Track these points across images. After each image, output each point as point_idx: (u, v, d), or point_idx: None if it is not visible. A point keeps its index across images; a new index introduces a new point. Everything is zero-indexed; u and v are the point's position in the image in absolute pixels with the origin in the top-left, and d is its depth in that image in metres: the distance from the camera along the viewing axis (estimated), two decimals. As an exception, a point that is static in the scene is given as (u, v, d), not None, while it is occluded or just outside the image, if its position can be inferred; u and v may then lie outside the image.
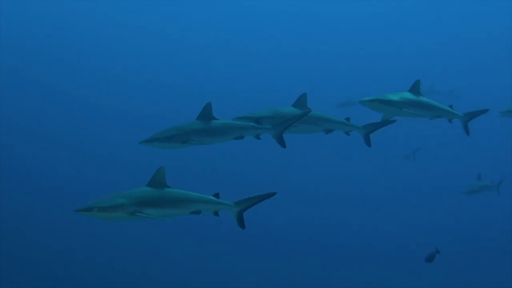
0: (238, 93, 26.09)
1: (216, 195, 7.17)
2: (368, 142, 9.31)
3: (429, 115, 9.15)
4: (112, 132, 22.73)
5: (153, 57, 28.23)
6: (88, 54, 26.73)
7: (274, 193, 7.16)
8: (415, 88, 9.06)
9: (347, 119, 9.27)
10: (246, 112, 8.86)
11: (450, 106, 9.57)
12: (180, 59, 28.95)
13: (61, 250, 15.45)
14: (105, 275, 14.84)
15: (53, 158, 20.13)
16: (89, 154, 20.82)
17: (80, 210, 6.00)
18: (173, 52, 29.30)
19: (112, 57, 27.32)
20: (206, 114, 8.05)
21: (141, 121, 22.10)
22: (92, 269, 14.99)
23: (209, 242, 17.15)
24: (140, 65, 27.52)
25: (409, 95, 8.89)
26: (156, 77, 27.02)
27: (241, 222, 7.27)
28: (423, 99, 9.07)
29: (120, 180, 15.95)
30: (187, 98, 24.28)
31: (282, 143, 8.39)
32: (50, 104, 23.76)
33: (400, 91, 8.95)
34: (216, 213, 7.17)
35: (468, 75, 29.08)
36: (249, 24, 30.90)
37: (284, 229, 18.77)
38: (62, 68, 25.74)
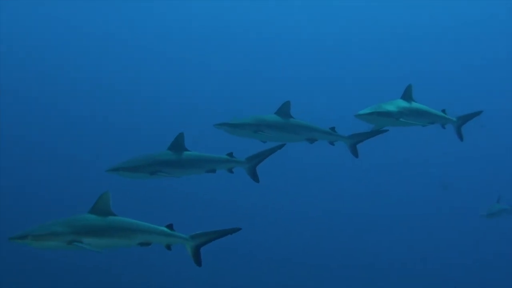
0: (238, 94, 25.88)
1: (170, 226, 6.41)
2: (355, 153, 8.91)
3: (424, 123, 8.88)
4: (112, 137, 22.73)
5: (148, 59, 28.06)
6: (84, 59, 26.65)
7: (238, 228, 6.39)
8: (407, 94, 8.79)
9: (332, 128, 8.89)
10: (228, 119, 8.64)
11: (443, 111, 9.25)
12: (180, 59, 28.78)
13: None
14: (103, 275, 14.84)
15: (51, 162, 20.16)
16: (86, 160, 20.73)
17: (14, 238, 5.48)
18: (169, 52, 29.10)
19: (109, 59, 27.22)
20: (177, 144, 7.72)
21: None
22: (90, 269, 14.88)
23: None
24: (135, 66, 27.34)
25: (403, 103, 8.60)
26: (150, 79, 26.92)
27: (197, 258, 6.45)
28: (417, 105, 8.81)
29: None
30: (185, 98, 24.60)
31: (255, 178, 8.16)
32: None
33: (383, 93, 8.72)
34: (168, 247, 6.40)
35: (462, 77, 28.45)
36: (250, 24, 30.60)
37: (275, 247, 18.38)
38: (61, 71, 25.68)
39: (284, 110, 8.73)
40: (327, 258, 17.80)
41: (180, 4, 29.51)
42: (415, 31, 29.66)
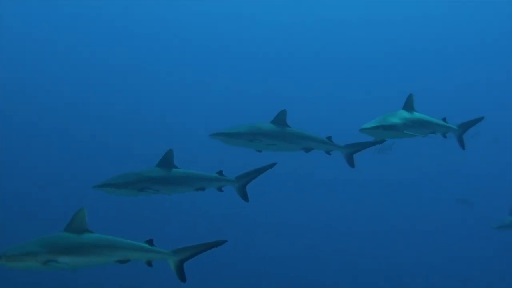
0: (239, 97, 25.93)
1: (150, 242, 6.21)
2: (351, 163, 8.79)
3: (426, 133, 8.67)
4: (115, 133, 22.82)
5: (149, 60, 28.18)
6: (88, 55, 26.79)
7: (224, 241, 6.18)
8: (409, 104, 8.58)
9: (329, 138, 8.79)
10: (224, 128, 8.60)
11: (444, 119, 9.03)
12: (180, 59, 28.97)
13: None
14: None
15: (52, 158, 20.31)
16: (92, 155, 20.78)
17: None
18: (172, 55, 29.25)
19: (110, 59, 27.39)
20: (166, 161, 7.62)
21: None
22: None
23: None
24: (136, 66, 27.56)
25: (406, 114, 8.37)
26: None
27: (180, 273, 6.25)
28: (419, 115, 8.60)
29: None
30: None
31: (245, 197, 8.09)
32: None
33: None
34: (149, 263, 6.19)
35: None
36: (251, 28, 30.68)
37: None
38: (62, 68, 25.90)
39: (280, 119, 8.66)
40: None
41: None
42: (414, 38, 29.87)
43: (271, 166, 7.96)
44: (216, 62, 28.89)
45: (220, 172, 8.01)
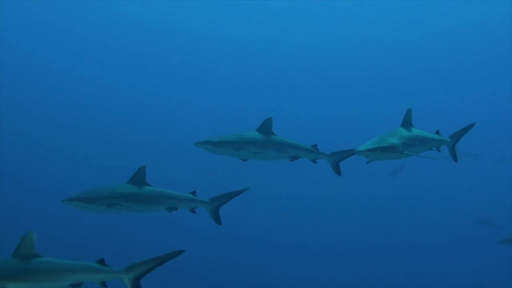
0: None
1: (102, 261, 5.86)
2: (337, 171, 8.69)
3: (425, 150, 8.04)
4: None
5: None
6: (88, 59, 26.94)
7: (181, 251, 5.86)
8: (407, 120, 7.90)
9: (315, 146, 8.70)
10: (209, 136, 8.56)
11: (437, 132, 8.49)
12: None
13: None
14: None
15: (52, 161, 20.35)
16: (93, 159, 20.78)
17: None
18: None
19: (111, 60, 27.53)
20: (138, 178, 7.39)
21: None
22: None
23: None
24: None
25: (405, 132, 7.64)
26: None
27: None
28: (417, 132, 7.94)
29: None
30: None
31: (217, 220, 7.80)
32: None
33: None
34: (103, 284, 5.86)
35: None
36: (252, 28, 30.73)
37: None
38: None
39: (265, 127, 8.58)
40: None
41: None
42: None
43: (245, 190, 7.68)
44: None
45: (193, 193, 7.75)
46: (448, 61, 29.99)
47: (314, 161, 8.69)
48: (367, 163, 7.63)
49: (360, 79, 29.21)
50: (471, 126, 8.54)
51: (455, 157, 8.70)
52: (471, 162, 19.32)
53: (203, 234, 17.05)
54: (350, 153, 8.56)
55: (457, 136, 8.59)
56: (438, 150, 8.38)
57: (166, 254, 5.86)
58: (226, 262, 17.02)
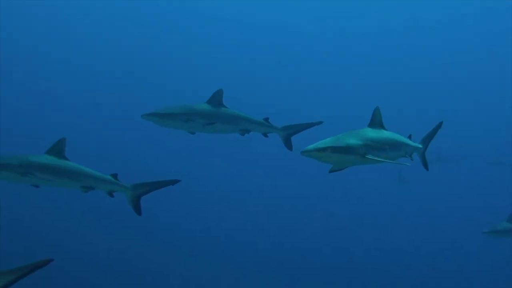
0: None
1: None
2: (288, 145, 8.49)
3: (396, 157, 6.80)
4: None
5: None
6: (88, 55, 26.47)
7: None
8: (375, 120, 6.72)
9: (266, 119, 8.48)
10: (158, 108, 8.22)
11: (409, 137, 7.33)
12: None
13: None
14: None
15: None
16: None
17: None
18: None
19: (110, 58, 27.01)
20: (57, 150, 6.88)
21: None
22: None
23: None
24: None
25: (371, 133, 6.47)
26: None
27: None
28: (387, 134, 6.72)
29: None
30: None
31: (137, 209, 7.05)
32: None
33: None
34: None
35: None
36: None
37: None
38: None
39: (216, 99, 8.30)
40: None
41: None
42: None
43: (174, 182, 7.01)
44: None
45: (114, 175, 7.07)
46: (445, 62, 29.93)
47: (265, 135, 8.45)
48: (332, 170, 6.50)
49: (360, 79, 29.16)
50: (439, 126, 7.56)
51: (426, 166, 7.64)
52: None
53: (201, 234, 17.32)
54: (302, 127, 8.39)
55: (427, 140, 7.55)
56: (411, 158, 7.21)
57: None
58: (224, 262, 16.77)
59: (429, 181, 19.26)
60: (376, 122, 6.72)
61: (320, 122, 8.21)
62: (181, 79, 26.83)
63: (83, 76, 25.85)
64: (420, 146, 7.39)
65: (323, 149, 5.82)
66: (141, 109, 8.33)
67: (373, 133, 6.44)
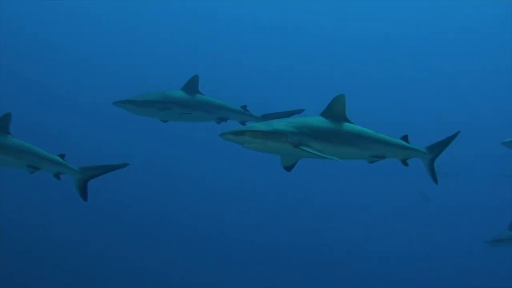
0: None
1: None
2: None
3: (357, 155, 5.81)
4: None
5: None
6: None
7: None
8: (334, 108, 5.78)
9: (244, 107, 8.11)
10: (133, 95, 7.89)
11: (405, 138, 6.26)
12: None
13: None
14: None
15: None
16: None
17: None
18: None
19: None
20: (1, 125, 6.35)
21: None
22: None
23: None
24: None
25: (318, 121, 5.59)
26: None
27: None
28: (344, 126, 5.73)
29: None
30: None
31: (83, 194, 6.48)
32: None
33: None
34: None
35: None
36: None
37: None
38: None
39: (191, 85, 7.97)
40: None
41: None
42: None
43: (124, 165, 6.49)
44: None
45: (62, 156, 6.52)
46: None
47: (243, 123, 8.07)
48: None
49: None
50: (455, 135, 6.40)
51: (434, 176, 6.42)
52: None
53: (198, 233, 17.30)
54: (281, 115, 7.97)
55: (437, 148, 6.37)
56: (405, 164, 6.21)
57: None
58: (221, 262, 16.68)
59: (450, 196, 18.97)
60: (334, 111, 5.75)
61: (301, 110, 7.79)
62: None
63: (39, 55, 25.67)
64: (424, 151, 6.29)
65: (241, 133, 5.16)
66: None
67: (319, 122, 5.56)
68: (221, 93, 8.70)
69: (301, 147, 5.23)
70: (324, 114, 5.74)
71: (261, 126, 5.27)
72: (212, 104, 7.93)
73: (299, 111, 7.81)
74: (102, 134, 21.39)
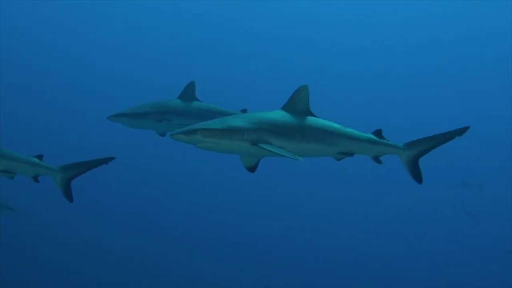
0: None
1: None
2: None
3: (323, 152, 5.37)
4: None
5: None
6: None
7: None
8: (296, 101, 5.32)
9: (244, 111, 7.73)
10: (128, 108, 7.56)
11: (378, 132, 5.63)
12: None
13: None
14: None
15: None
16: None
17: None
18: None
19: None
20: None
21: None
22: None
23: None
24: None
25: (279, 115, 5.20)
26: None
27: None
28: (308, 120, 5.27)
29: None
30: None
31: (67, 194, 5.98)
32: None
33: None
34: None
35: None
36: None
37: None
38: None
39: (188, 93, 7.65)
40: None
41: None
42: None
43: (110, 159, 5.95)
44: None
45: (39, 156, 6.02)
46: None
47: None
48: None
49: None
50: (449, 134, 5.49)
51: (416, 175, 5.61)
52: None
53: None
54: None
55: (421, 144, 5.59)
56: (378, 161, 5.60)
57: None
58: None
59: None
60: (296, 104, 5.26)
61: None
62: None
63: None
64: (400, 146, 5.55)
65: (192, 132, 4.77)
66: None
67: (280, 117, 5.12)
68: (219, 98, 8.39)
69: (259, 144, 4.80)
70: (285, 107, 5.29)
71: (215, 123, 4.88)
72: (212, 111, 7.58)
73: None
74: (94, 137, 21.15)
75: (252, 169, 5.37)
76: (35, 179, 5.95)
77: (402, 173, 5.54)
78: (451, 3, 28.60)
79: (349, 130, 5.44)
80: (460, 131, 5.43)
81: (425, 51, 29.23)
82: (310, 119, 5.28)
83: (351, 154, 5.41)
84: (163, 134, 7.57)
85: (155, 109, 7.47)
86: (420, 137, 5.58)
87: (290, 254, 17.53)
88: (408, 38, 29.41)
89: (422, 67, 28.89)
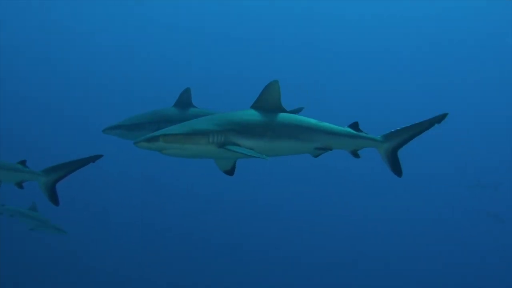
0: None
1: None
2: None
3: (299, 149, 5.14)
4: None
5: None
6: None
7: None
8: (267, 97, 5.08)
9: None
10: (120, 121, 7.34)
11: (354, 125, 5.41)
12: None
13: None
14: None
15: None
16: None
17: None
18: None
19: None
20: None
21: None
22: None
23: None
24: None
25: (246, 115, 4.94)
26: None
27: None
28: (278, 116, 5.01)
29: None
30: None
31: (52, 198, 5.82)
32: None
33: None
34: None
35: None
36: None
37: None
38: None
39: (184, 100, 7.46)
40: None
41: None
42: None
43: (96, 158, 5.71)
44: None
45: (22, 162, 5.87)
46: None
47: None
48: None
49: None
50: (426, 123, 5.31)
51: (395, 168, 5.41)
52: None
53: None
54: None
55: (400, 135, 5.40)
56: (356, 155, 5.39)
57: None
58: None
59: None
60: (266, 101, 5.01)
61: (301, 109, 7.18)
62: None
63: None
64: (378, 139, 5.37)
65: (154, 139, 4.53)
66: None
67: (249, 116, 4.86)
68: (215, 103, 8.19)
69: (226, 147, 4.55)
70: (255, 105, 5.04)
71: (179, 128, 4.65)
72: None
73: (298, 110, 7.19)
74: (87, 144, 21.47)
75: (229, 172, 5.16)
76: (19, 185, 5.79)
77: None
78: (451, 3, 28.52)
79: (325, 124, 5.21)
80: (439, 118, 5.24)
81: (426, 51, 29.16)
82: (282, 116, 5.03)
83: (329, 149, 5.16)
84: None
85: (150, 119, 7.28)
86: (398, 128, 5.39)
87: (287, 255, 17.54)
88: (408, 38, 29.33)
89: (431, 67, 28.83)
